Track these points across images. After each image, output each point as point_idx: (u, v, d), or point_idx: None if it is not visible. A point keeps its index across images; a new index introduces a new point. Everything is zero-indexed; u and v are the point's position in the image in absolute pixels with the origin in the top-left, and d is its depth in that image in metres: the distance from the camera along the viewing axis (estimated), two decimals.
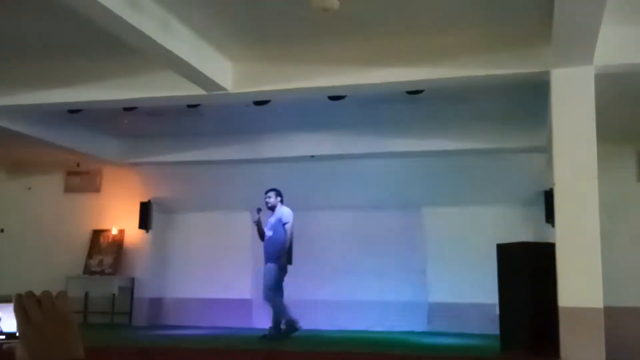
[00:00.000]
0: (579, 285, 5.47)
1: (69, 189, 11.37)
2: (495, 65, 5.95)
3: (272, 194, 8.03)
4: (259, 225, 7.99)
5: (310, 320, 9.76)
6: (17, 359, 1.05)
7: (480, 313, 8.89)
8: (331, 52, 6.27)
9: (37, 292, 1.09)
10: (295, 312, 9.83)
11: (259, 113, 8.00)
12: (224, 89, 6.49)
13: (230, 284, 10.49)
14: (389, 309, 9.77)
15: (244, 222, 10.41)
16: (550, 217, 7.30)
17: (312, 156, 9.58)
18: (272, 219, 7.96)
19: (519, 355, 6.12)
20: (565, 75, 5.71)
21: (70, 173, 11.34)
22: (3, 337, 1.08)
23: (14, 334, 1.06)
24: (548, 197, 7.53)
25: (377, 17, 5.66)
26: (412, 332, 9.27)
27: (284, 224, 7.87)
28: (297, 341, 7.71)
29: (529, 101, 7.55)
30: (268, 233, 7.91)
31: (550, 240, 6.15)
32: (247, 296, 10.30)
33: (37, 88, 7.08)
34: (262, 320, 10.06)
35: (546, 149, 7.41)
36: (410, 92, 6.96)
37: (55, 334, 1.05)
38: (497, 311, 6.55)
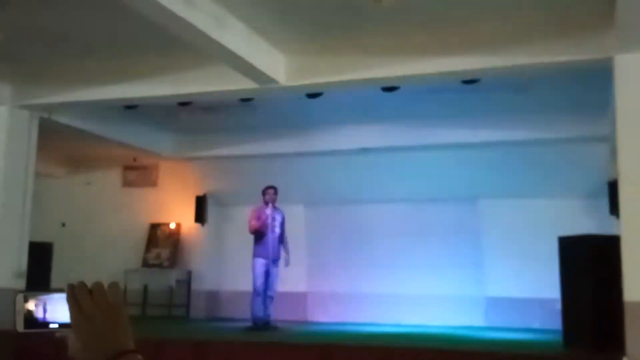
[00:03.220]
0: None
1: (126, 184, 11.60)
2: (555, 52, 5.75)
3: (273, 190, 8.13)
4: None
5: (366, 315, 9.73)
6: (69, 348, 1.08)
7: (541, 308, 8.68)
8: (384, 42, 6.18)
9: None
10: (350, 306, 9.80)
11: (312, 106, 7.97)
12: (276, 82, 6.48)
13: (285, 277, 10.52)
14: (446, 303, 9.64)
15: (298, 215, 10.41)
16: (614, 209, 7.05)
17: (366, 148, 9.51)
18: (278, 217, 8.12)
19: (581, 352, 5.93)
20: (629, 61, 5.49)
21: (127, 168, 11.56)
22: (56, 325, 1.12)
23: (67, 323, 1.09)
24: (612, 188, 7.27)
25: (431, 6, 5.54)
26: (470, 327, 9.11)
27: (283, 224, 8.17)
28: (351, 335, 7.67)
29: (591, 89, 7.29)
30: (277, 231, 8.04)
31: (614, 233, 5.94)
32: (302, 289, 10.31)
33: (93, 84, 7.22)
34: (317, 313, 10.09)
35: (610, 139, 7.15)
36: (466, 82, 6.81)
37: (106, 324, 1.07)
38: (559, 306, 6.37)
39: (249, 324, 8.03)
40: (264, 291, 7.97)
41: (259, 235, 8.04)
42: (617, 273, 5.33)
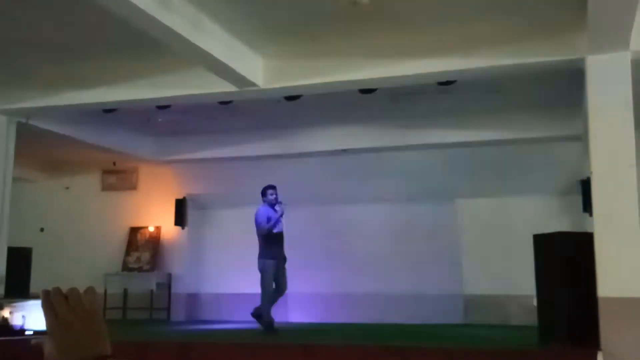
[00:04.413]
0: (619, 275, 5.38)
1: (106, 188, 11.56)
2: (529, 53, 5.86)
3: (276, 190, 8.09)
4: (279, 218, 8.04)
5: (346, 314, 9.79)
6: (45, 354, 1.06)
7: (518, 304, 8.81)
8: (361, 45, 6.24)
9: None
10: (331, 306, 9.85)
11: (290, 108, 8.01)
12: (255, 85, 6.52)
13: None
14: (424, 302, 9.73)
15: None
16: (587, 207, 7.18)
17: (344, 150, 9.58)
18: (282, 216, 8.06)
19: (558, 347, 6.04)
20: (600, 62, 5.61)
21: (106, 172, 11.52)
22: (31, 332, 1.10)
23: (43, 330, 1.07)
24: (585, 186, 7.42)
25: (407, 8, 5.62)
26: (448, 325, 9.22)
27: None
28: (333, 335, 7.72)
29: (563, 89, 7.42)
30: (282, 229, 8.04)
31: (588, 230, 6.06)
32: None
33: (72, 89, 7.19)
34: (298, 314, 10.13)
35: (582, 138, 7.28)
36: (441, 83, 6.90)
37: (82, 330, 1.06)
38: (535, 302, 6.48)
39: (227, 326, 8.05)
40: (275, 291, 7.96)
41: (269, 236, 7.92)
42: (591, 269, 5.45)
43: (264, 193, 8.10)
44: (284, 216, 8.01)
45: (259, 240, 7.97)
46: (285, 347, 6.56)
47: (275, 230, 7.94)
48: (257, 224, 7.97)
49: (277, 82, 6.63)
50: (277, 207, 8.01)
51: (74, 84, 7.16)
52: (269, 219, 7.94)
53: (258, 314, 7.95)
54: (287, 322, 9.74)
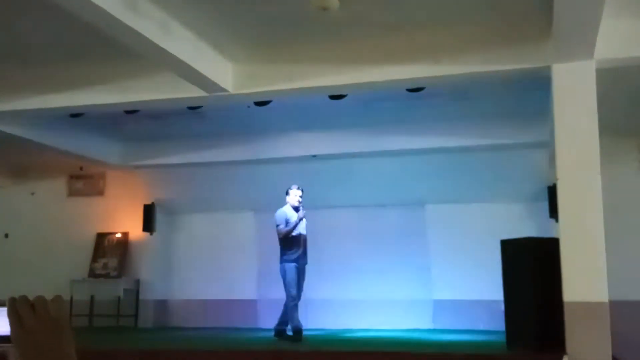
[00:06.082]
0: (584, 280, 5.47)
1: (72, 193, 11.40)
2: (496, 61, 5.94)
3: (300, 191, 7.79)
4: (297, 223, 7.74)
5: (315, 320, 9.78)
6: None
7: (485, 310, 8.90)
8: (331, 51, 6.27)
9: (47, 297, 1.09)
10: (300, 312, 9.85)
11: (260, 114, 8.01)
12: (224, 90, 6.50)
13: (236, 284, 10.51)
14: (394, 307, 9.78)
15: (248, 222, 10.44)
16: (554, 212, 7.28)
17: (314, 155, 9.59)
18: (304, 219, 7.80)
19: (525, 352, 6.11)
20: (566, 70, 5.71)
21: (73, 177, 11.37)
22: None
23: (8, 337, 1.07)
24: (551, 192, 7.52)
25: (376, 15, 5.66)
26: (417, 330, 9.27)
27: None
28: (302, 340, 7.71)
29: (531, 96, 7.54)
30: (304, 233, 7.75)
31: (554, 235, 6.14)
32: (252, 297, 10.31)
33: (38, 93, 7.09)
34: (268, 321, 10.10)
35: (548, 145, 7.40)
36: (410, 90, 6.95)
37: (47, 338, 1.05)
38: (503, 307, 6.55)
39: (196, 333, 7.93)
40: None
41: (288, 239, 7.63)
42: (557, 274, 5.53)
43: (287, 192, 7.80)
44: (304, 219, 7.73)
45: (279, 242, 7.72)
46: (254, 354, 6.54)
47: (294, 233, 7.63)
48: (276, 226, 7.71)
49: (247, 88, 6.62)
50: (300, 211, 7.70)
51: (40, 88, 7.06)
52: (287, 222, 7.66)
53: (280, 331, 7.68)
54: (256, 327, 9.70)
